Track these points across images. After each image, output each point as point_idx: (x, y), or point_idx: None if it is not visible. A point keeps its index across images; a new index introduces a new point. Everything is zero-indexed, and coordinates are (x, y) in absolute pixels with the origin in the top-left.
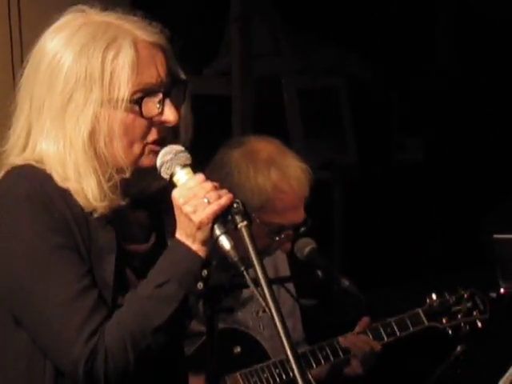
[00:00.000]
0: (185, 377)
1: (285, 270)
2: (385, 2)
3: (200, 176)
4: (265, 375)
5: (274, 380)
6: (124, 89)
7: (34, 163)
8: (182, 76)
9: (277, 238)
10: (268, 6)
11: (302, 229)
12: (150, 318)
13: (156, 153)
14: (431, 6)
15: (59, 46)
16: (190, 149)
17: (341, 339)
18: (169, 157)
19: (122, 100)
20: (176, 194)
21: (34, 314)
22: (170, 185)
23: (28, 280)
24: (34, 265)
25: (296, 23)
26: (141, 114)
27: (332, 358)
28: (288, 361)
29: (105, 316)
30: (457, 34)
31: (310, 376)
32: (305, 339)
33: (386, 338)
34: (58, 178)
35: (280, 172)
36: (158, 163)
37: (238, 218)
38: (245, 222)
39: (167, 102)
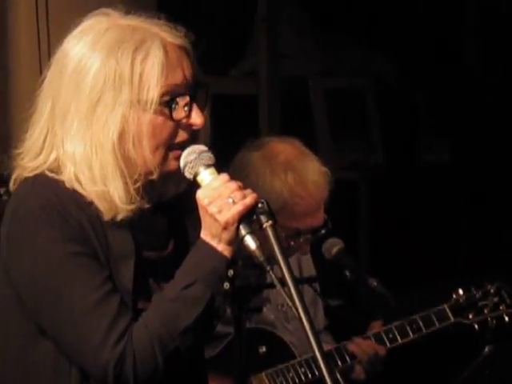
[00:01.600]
0: (204, 376)
1: (309, 270)
2: (411, 3)
3: (224, 176)
4: (290, 374)
5: (300, 379)
6: (153, 90)
7: (47, 172)
8: (204, 80)
9: (292, 243)
10: (295, 6)
11: (322, 231)
12: (178, 320)
13: (178, 158)
14: (458, 6)
15: (85, 50)
16: (216, 149)
17: (347, 343)
18: (192, 157)
19: (152, 102)
20: (200, 195)
21: (60, 324)
22: (194, 185)
23: (50, 290)
24: (54, 274)
25: (323, 24)
26: (170, 117)
27: (340, 364)
28: (316, 361)
29: (130, 319)
30: (484, 34)
31: (338, 376)
32: (327, 326)
33: (411, 335)
34: (84, 181)
35: (297, 176)
36: (182, 163)
37: (263, 218)
38: (270, 222)
39: (194, 104)
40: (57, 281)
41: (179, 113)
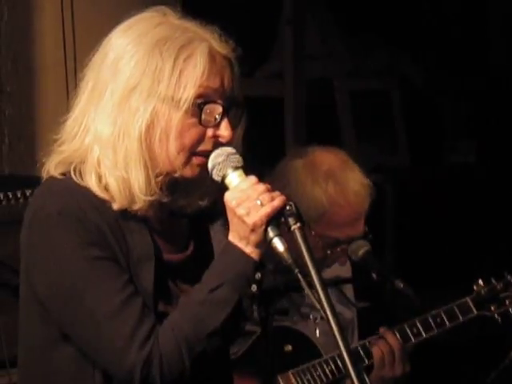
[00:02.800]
0: (229, 377)
1: (347, 272)
2: (438, 3)
3: (252, 178)
4: (317, 373)
5: (327, 377)
6: (189, 90)
7: (72, 176)
8: (242, 100)
9: (328, 252)
10: (321, 7)
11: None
12: (205, 323)
13: (200, 166)
14: (484, 6)
15: (132, 38)
16: (241, 151)
17: (370, 341)
18: (220, 159)
19: (185, 100)
20: (229, 197)
21: (84, 329)
22: (222, 187)
23: (72, 296)
24: (75, 280)
25: (348, 25)
26: (199, 120)
27: (367, 361)
28: (343, 361)
29: (154, 321)
30: (510, 35)
31: (366, 378)
32: None
33: (435, 329)
34: (107, 165)
35: (338, 186)
36: (210, 165)
37: (291, 220)
38: (298, 224)
39: (225, 116)
40: (78, 286)
41: (209, 118)
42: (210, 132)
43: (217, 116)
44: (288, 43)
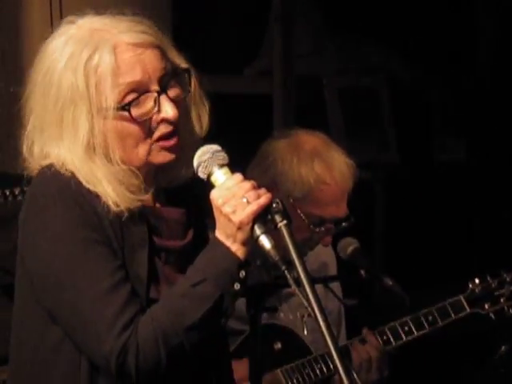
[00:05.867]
0: (230, 377)
1: (333, 270)
2: (426, 1)
3: (238, 176)
4: (306, 371)
5: (316, 375)
6: (110, 97)
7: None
8: (184, 65)
9: (317, 230)
10: (309, 5)
11: (344, 224)
12: (184, 316)
13: (167, 149)
14: (472, 4)
15: (50, 61)
16: (230, 148)
17: (348, 345)
18: (206, 157)
19: (110, 109)
20: (214, 195)
21: (68, 309)
22: (208, 185)
23: (60, 275)
24: (66, 259)
25: (337, 23)
26: (132, 119)
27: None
28: (331, 358)
29: (137, 310)
30: (498, 32)
31: (354, 374)
32: None
33: (427, 327)
34: (83, 180)
35: (324, 164)
36: (195, 163)
37: (277, 218)
38: (284, 221)
39: (163, 98)
40: (67, 266)
41: (143, 111)
42: (156, 118)
43: (153, 103)
44: (277, 41)
